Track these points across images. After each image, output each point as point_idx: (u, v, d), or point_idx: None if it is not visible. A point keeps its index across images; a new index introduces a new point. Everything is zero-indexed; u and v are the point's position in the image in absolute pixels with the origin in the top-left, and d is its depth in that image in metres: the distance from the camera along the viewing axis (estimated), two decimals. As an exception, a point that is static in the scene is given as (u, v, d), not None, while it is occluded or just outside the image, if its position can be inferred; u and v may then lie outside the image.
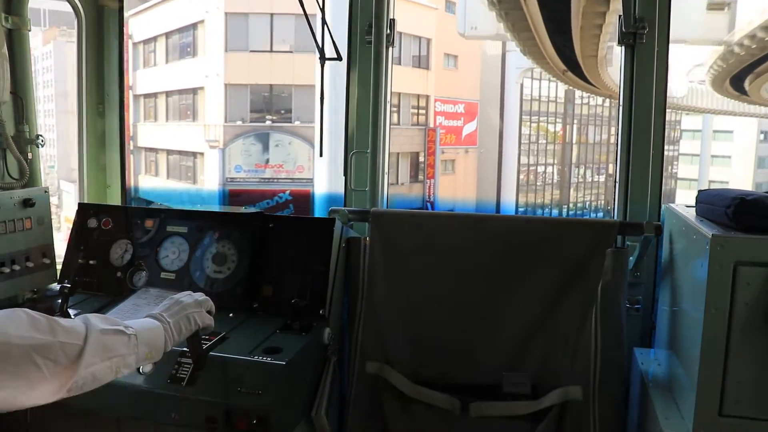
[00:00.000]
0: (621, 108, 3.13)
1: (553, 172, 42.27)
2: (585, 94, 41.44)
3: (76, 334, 1.77)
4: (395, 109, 28.40)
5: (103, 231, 3.29)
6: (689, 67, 42.19)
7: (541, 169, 41.61)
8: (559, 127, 42.96)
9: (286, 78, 26.72)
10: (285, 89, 27.44)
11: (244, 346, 2.59)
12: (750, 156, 48.20)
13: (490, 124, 35.74)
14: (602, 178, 44.47)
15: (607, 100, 41.36)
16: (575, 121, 43.69)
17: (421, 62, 31.20)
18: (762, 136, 49.07)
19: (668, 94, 3.10)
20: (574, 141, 43.50)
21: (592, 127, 44.62)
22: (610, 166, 41.48)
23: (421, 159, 31.50)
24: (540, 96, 41.20)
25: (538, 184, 41.07)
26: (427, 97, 31.80)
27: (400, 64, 28.68)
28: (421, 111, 31.87)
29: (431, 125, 31.88)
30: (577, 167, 43.59)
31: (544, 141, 41.81)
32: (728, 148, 49.07)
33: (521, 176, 38.91)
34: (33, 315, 1.69)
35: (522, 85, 38.67)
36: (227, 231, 3.13)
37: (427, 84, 31.59)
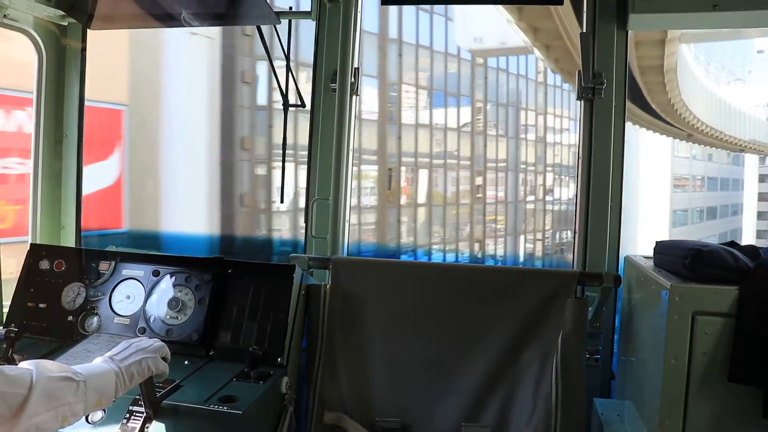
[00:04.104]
0: (580, 160, 3.20)
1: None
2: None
3: (21, 383, 1.70)
4: None
5: (56, 273, 3.19)
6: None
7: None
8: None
9: None
10: None
11: (199, 395, 2.52)
12: (662, 210, 37.55)
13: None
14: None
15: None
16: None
17: None
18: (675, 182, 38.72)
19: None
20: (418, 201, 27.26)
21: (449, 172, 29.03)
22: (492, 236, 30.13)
23: None
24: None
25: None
26: None
27: None
28: None
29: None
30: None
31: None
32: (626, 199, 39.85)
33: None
34: None
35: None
36: (184, 275, 3.07)
37: None
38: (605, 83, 3.10)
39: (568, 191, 33.95)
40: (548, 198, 33.96)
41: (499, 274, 3.14)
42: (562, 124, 35.03)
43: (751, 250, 2.23)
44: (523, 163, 33.23)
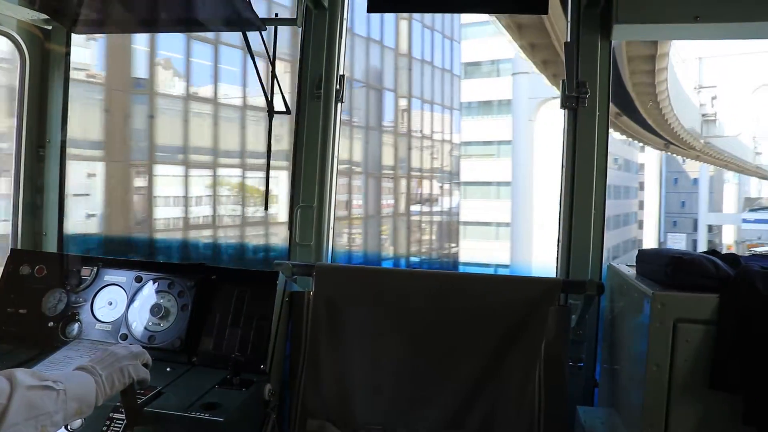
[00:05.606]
0: (564, 169, 3.21)
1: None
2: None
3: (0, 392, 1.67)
4: None
5: (36, 279, 3.16)
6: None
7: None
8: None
9: None
10: None
11: (181, 402, 2.50)
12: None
13: None
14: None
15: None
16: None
17: None
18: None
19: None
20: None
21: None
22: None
23: None
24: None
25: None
26: None
27: None
28: None
29: None
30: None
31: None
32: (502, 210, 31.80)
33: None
34: None
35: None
36: (167, 282, 3.05)
37: None
38: (589, 92, 3.13)
39: (450, 200, 29.39)
40: (426, 209, 28.77)
41: (482, 281, 3.14)
42: (433, 117, 28.80)
43: (731, 259, 2.25)
44: (384, 166, 27.72)
